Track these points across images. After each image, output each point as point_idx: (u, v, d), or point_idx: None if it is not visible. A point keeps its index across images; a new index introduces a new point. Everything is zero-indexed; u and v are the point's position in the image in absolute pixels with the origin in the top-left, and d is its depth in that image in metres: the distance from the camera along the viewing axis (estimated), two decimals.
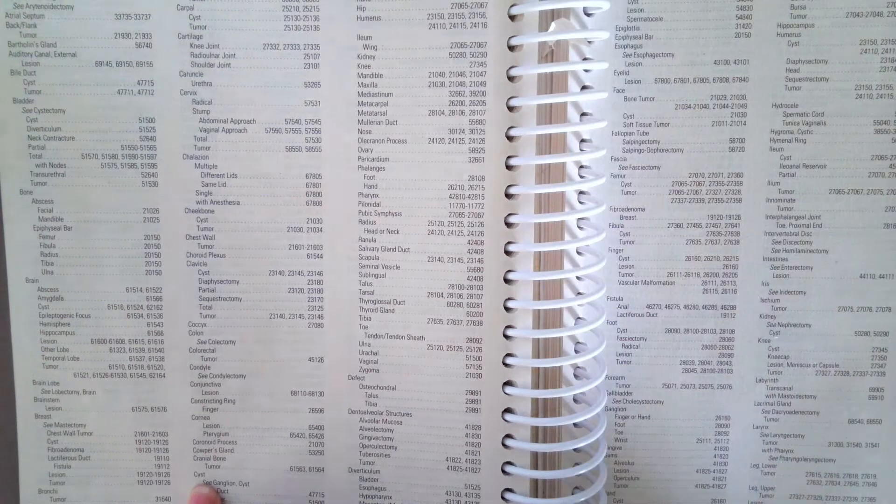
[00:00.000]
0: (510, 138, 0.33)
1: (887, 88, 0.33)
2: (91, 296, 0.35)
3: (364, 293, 0.35)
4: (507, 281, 0.34)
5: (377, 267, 0.34)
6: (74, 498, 0.36)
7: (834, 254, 0.34)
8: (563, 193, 0.34)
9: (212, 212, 0.35)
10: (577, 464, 0.34)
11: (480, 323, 0.34)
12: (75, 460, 0.36)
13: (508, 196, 0.33)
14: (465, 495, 0.35)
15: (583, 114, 0.34)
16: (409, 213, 0.34)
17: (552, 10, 0.32)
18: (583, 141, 0.34)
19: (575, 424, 0.34)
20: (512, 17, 0.32)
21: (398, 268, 0.34)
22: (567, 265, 0.34)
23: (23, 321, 0.35)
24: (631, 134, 0.34)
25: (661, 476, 0.36)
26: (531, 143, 0.33)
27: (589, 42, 0.34)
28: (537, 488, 0.35)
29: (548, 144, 0.34)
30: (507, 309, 0.34)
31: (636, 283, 0.35)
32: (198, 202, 0.35)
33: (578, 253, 0.34)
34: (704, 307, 0.35)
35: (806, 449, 0.35)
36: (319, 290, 0.35)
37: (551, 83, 0.33)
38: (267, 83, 0.34)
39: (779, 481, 0.36)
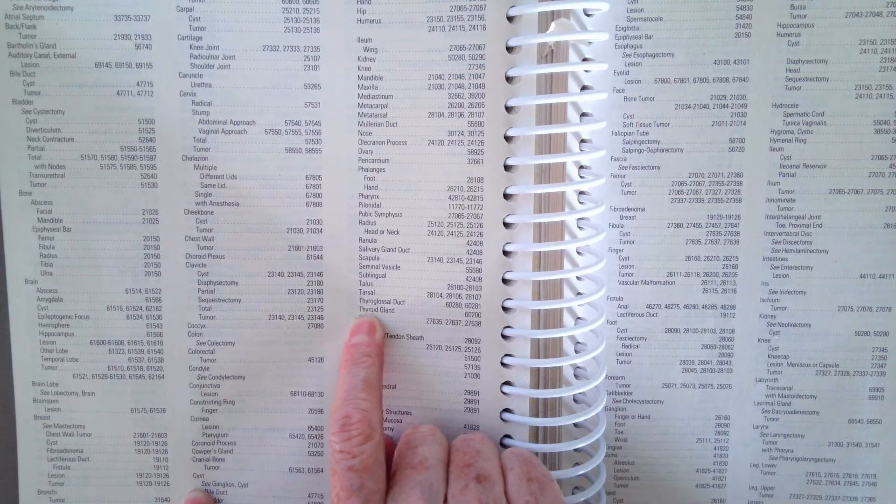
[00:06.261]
0: (508, 139, 0.33)
1: (887, 88, 0.33)
2: (90, 297, 0.35)
3: (364, 293, 0.35)
4: (505, 281, 0.34)
5: (377, 267, 0.34)
6: (73, 499, 0.36)
7: (834, 254, 0.34)
8: (563, 193, 0.34)
9: (211, 213, 0.35)
10: (577, 464, 0.34)
11: (479, 323, 0.34)
12: (74, 461, 0.36)
13: (507, 197, 0.33)
14: None
15: (582, 114, 0.34)
16: (409, 213, 0.34)
17: (552, 11, 0.32)
18: (582, 141, 0.34)
19: (575, 424, 0.34)
20: (510, 19, 0.32)
21: (398, 268, 0.34)
22: (567, 265, 0.34)
23: (22, 322, 0.35)
24: (631, 134, 0.34)
25: (661, 476, 0.36)
26: (530, 145, 0.33)
27: (589, 42, 0.34)
28: None
29: (547, 145, 0.34)
30: (506, 309, 0.34)
31: (636, 282, 0.35)
32: (197, 203, 0.34)
33: (578, 253, 0.34)
34: (704, 307, 0.35)
35: (806, 449, 0.35)
36: (319, 291, 0.35)
37: (551, 84, 0.33)
38: (266, 85, 0.34)
39: (779, 481, 0.36)
